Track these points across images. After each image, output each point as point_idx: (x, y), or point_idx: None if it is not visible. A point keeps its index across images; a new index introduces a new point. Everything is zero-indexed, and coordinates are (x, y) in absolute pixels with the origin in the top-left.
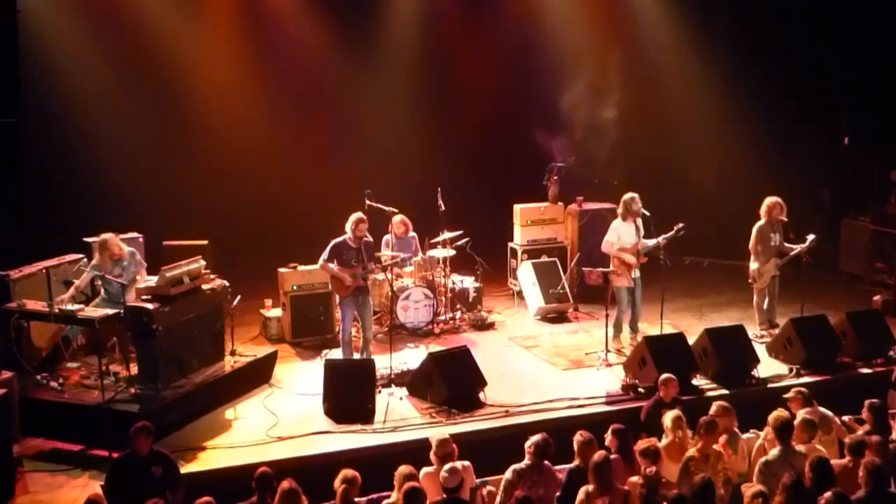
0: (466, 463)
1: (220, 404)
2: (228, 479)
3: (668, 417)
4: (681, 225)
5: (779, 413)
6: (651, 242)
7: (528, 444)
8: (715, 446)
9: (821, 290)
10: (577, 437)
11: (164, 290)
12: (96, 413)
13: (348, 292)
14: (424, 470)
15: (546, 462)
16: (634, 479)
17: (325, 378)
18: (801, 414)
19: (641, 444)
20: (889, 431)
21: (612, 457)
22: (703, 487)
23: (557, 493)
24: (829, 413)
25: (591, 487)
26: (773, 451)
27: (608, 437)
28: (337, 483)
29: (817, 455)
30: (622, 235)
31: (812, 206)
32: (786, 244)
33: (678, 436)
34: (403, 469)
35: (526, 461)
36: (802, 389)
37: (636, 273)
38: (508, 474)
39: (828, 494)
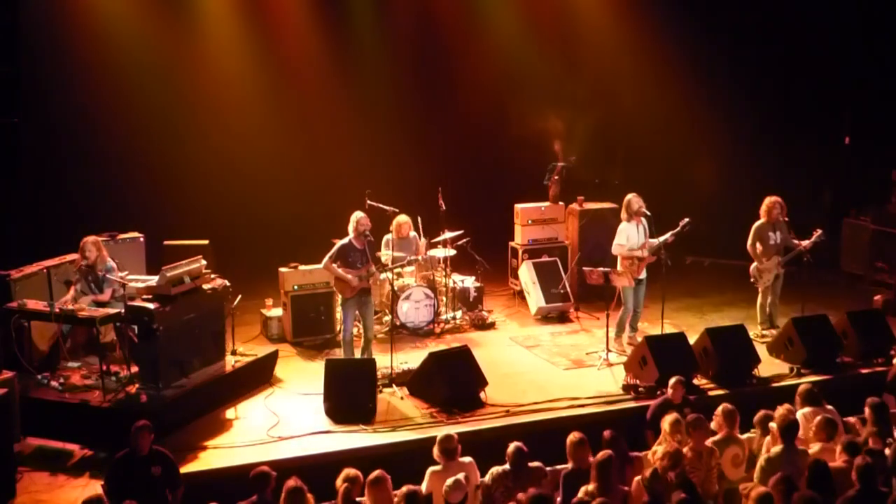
0: (469, 459)
1: (221, 404)
2: (228, 479)
3: (667, 421)
4: (686, 220)
5: (783, 411)
6: (658, 241)
7: None
8: (707, 443)
9: (822, 290)
10: (570, 438)
11: (165, 290)
12: (96, 413)
13: (353, 294)
14: (431, 469)
15: (538, 465)
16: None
17: (326, 378)
18: (819, 414)
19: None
20: (890, 430)
21: None
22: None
23: (558, 498)
24: (836, 414)
25: (591, 486)
26: (776, 449)
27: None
28: (339, 482)
29: (818, 457)
30: (630, 237)
31: (812, 206)
32: (794, 240)
33: (677, 440)
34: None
35: (506, 465)
36: (810, 387)
37: (643, 273)
38: (486, 476)
39: (797, 495)
